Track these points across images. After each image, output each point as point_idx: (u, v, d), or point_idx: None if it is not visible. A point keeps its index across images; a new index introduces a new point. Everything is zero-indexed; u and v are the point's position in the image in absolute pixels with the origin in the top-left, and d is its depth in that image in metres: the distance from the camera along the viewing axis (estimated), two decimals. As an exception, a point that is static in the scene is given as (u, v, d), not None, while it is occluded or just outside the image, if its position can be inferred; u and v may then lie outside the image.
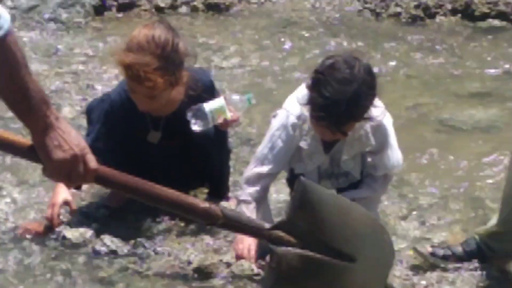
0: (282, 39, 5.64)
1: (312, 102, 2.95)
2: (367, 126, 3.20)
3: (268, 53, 5.57)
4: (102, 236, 3.26)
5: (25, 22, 5.76)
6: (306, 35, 6.05)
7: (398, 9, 5.94)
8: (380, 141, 3.23)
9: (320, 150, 3.27)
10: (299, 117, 3.17)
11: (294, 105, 3.18)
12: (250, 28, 5.99)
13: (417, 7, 5.86)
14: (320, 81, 2.94)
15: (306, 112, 3.11)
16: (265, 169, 3.22)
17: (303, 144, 3.25)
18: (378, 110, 3.23)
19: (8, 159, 4.11)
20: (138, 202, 3.11)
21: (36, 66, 5.01)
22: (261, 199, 3.28)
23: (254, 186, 3.28)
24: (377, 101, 3.26)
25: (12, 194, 3.75)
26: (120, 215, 3.45)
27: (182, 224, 3.50)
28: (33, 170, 3.80)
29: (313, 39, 5.88)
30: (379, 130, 3.24)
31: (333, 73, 3.04)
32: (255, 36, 5.84)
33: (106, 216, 3.45)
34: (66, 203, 3.25)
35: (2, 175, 4.09)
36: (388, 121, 3.34)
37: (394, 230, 3.44)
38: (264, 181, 3.29)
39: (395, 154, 3.34)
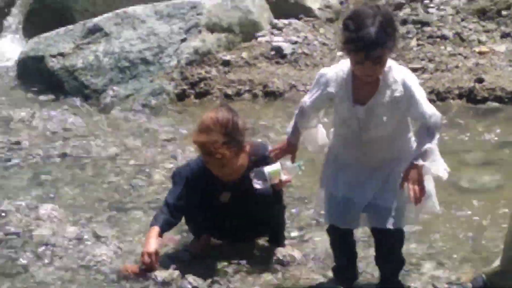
0: (326, 120, 6.39)
1: (347, 40, 2.83)
2: (395, 74, 3.01)
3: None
4: (186, 276, 3.35)
5: (123, 106, 6.15)
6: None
7: None
8: (408, 89, 3.00)
9: (351, 109, 3.17)
10: (335, 72, 3.07)
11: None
12: None
13: (431, 92, 5.91)
14: (350, 22, 2.84)
15: (343, 68, 3.04)
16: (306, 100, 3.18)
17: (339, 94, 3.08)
18: (398, 66, 3.13)
19: (113, 217, 4.30)
20: (216, 248, 3.59)
21: (131, 141, 5.39)
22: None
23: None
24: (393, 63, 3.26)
25: (116, 244, 3.87)
26: (200, 259, 3.54)
27: (249, 266, 3.55)
28: (131, 225, 4.09)
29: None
30: (406, 79, 3.02)
31: (359, 13, 2.99)
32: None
33: (189, 259, 3.56)
34: (156, 252, 3.39)
35: (109, 229, 4.12)
36: (413, 76, 3.13)
37: (417, 269, 3.49)
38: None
39: (427, 104, 3.09)
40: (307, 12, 6.97)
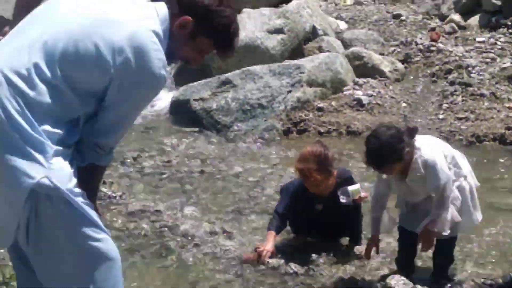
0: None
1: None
2: (419, 158, 3.77)
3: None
4: (289, 263, 4.15)
5: (245, 138, 6.79)
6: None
7: (460, 137, 6.62)
8: (426, 169, 3.74)
9: (398, 182, 3.92)
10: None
11: None
12: None
13: (472, 136, 6.62)
14: (366, 141, 3.73)
15: None
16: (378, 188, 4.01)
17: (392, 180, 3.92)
18: (424, 150, 3.85)
19: (236, 218, 5.06)
20: (310, 244, 4.42)
21: (250, 163, 6.20)
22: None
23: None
24: (424, 145, 3.93)
25: (238, 237, 4.72)
26: (299, 251, 4.33)
27: (335, 259, 4.31)
28: (249, 224, 4.96)
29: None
30: (427, 162, 3.73)
31: (371, 135, 3.82)
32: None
33: (291, 251, 4.35)
34: (272, 250, 4.18)
35: (233, 227, 4.98)
36: (432, 158, 3.85)
37: (460, 267, 4.24)
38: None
39: (440, 175, 3.80)
40: (380, 73, 7.62)
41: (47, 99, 2.28)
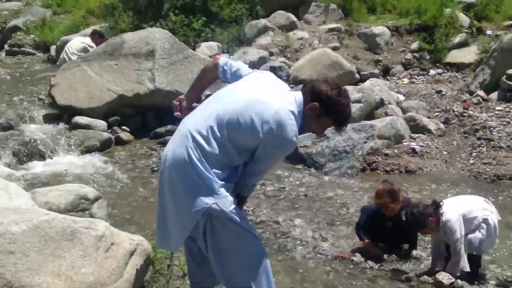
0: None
1: None
2: (443, 222, 4.41)
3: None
4: (367, 260, 4.83)
5: (335, 172, 7.35)
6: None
7: (485, 176, 7.27)
8: (445, 229, 4.39)
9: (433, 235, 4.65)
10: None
11: None
12: (436, 183, 7.07)
13: (494, 176, 7.26)
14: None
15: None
16: None
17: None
18: (446, 215, 4.47)
19: (331, 228, 5.63)
20: (382, 249, 5.08)
21: (337, 191, 6.73)
22: None
23: None
24: (448, 210, 4.49)
25: (332, 241, 5.38)
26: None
27: (398, 258, 5.03)
28: (340, 233, 5.51)
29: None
30: (445, 224, 4.42)
31: (405, 215, 4.57)
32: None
33: (367, 252, 4.96)
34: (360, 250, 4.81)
35: (329, 234, 5.53)
36: (449, 219, 4.45)
37: (487, 268, 4.79)
38: None
39: (454, 234, 4.38)
40: (428, 131, 8.38)
41: (217, 152, 2.79)
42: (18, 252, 3.11)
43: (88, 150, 8.18)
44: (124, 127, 8.93)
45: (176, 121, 7.95)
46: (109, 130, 8.76)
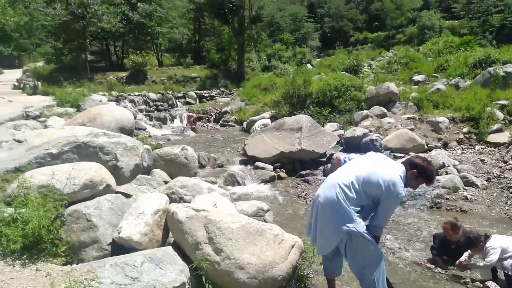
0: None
1: None
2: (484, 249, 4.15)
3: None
4: (436, 267, 4.51)
5: (413, 208, 6.71)
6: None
7: None
8: (485, 251, 4.15)
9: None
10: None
11: None
12: (481, 220, 6.23)
13: None
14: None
15: None
16: None
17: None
18: (490, 242, 4.17)
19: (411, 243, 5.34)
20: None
21: (418, 221, 6.13)
22: None
23: None
24: (492, 241, 4.14)
25: (411, 252, 4.95)
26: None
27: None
28: (419, 252, 5.08)
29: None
30: (486, 248, 4.14)
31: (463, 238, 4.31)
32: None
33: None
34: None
35: (406, 246, 5.14)
36: (490, 245, 4.15)
37: None
38: None
39: (489, 257, 4.06)
40: (476, 185, 7.64)
41: (354, 195, 2.85)
42: (233, 239, 3.27)
43: (263, 181, 8.40)
44: (282, 169, 9.04)
45: (312, 167, 7.71)
46: (274, 170, 8.92)
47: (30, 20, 32.50)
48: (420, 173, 3.00)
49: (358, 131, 10.39)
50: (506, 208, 6.75)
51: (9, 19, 17.98)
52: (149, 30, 23.03)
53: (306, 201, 7.24)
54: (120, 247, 3.42)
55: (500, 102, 11.54)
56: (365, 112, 11.99)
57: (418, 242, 5.37)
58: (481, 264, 4.06)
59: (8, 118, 8.10)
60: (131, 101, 17.61)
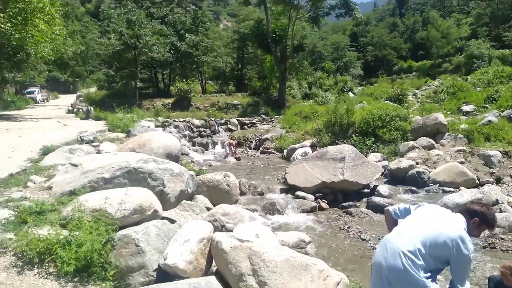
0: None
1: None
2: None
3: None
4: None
5: None
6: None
7: None
8: None
9: None
10: None
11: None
12: None
13: None
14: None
15: None
16: None
17: None
18: None
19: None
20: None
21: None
22: None
23: None
24: None
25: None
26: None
27: None
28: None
29: None
30: None
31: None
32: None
33: None
34: None
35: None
36: None
37: None
38: None
39: None
40: None
41: (422, 262, 2.69)
42: (278, 272, 3.24)
43: (303, 211, 8.28)
44: (323, 200, 8.91)
45: (355, 199, 7.57)
46: (315, 201, 8.80)
47: (86, 49, 34.98)
48: (482, 220, 2.90)
49: (404, 162, 10.13)
50: None
51: (68, 49, 19.46)
52: (195, 59, 24.05)
53: (349, 234, 7.07)
54: (165, 274, 3.46)
55: (559, 136, 10.87)
56: (411, 143, 11.67)
57: (472, 284, 5.13)
58: None
59: (64, 142, 8.55)
60: (176, 126, 18.29)
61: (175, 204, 5.02)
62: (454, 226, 2.77)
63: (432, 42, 50.95)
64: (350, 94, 25.28)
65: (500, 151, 10.76)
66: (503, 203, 7.85)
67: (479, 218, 2.89)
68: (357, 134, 12.95)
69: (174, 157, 6.27)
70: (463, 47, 44.16)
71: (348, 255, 5.97)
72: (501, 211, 7.49)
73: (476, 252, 6.05)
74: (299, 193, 8.98)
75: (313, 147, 11.23)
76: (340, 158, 9.40)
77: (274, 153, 15.26)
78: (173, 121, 18.48)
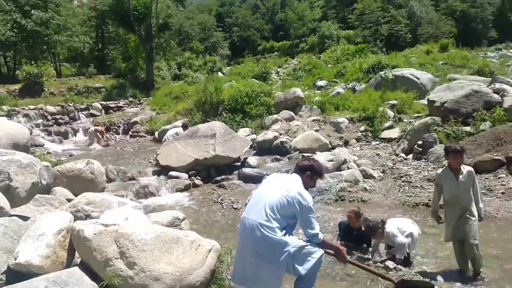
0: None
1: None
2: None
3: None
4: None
5: (319, 202, 7.08)
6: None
7: (408, 204, 6.85)
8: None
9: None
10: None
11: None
12: (379, 208, 6.80)
13: (414, 203, 6.85)
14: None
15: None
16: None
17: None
18: (387, 227, 4.30)
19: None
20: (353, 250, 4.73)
21: (322, 213, 6.46)
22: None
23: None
24: (389, 225, 4.37)
25: None
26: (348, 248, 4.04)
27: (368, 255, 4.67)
28: None
29: None
30: (387, 233, 4.33)
31: (364, 226, 4.37)
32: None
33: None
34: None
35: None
36: (389, 230, 4.33)
37: (412, 259, 4.48)
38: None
39: (395, 238, 4.30)
40: (373, 177, 8.13)
41: (276, 224, 2.96)
42: (148, 250, 3.17)
43: (178, 190, 8.24)
44: (197, 177, 8.98)
45: (227, 172, 7.91)
46: (189, 179, 8.81)
47: None
48: (313, 172, 3.25)
49: (269, 134, 10.83)
50: (399, 195, 7.33)
51: None
52: (45, 38, 21.22)
53: (222, 205, 7.27)
54: (18, 274, 3.07)
55: (390, 102, 12.90)
56: (275, 116, 12.49)
57: (327, 232, 5.58)
58: (396, 244, 4.30)
59: None
60: (26, 115, 16.00)
61: (27, 199, 4.43)
62: (292, 186, 3.09)
63: (290, 23, 54.53)
64: (220, 74, 25.63)
65: (347, 118, 12.20)
66: (350, 161, 9.01)
67: (310, 171, 3.24)
68: (227, 111, 13.34)
69: (22, 147, 5.47)
70: (316, 28, 48.27)
71: (222, 224, 6.20)
72: (348, 168, 8.51)
73: (329, 206, 7.01)
74: (172, 173, 8.87)
75: (185, 127, 11.14)
76: (211, 135, 9.52)
77: (144, 136, 14.75)
78: (22, 109, 16.09)
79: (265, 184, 3.31)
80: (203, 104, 13.63)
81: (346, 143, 10.97)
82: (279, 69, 28.19)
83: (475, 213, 3.93)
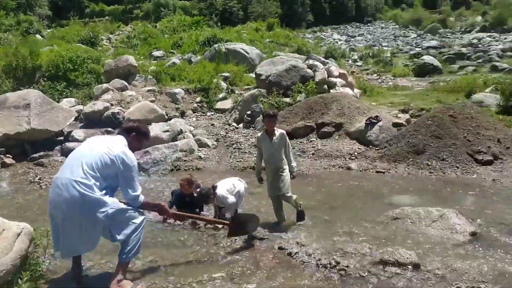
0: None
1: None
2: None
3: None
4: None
5: (157, 174, 7.29)
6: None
7: (237, 168, 7.34)
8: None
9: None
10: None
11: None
12: (214, 174, 7.07)
13: (243, 167, 7.37)
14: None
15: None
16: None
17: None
18: (218, 191, 4.48)
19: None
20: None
21: (159, 184, 6.69)
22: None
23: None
24: (219, 187, 4.54)
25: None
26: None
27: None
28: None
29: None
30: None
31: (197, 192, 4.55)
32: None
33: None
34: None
35: None
36: (220, 193, 4.49)
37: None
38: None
39: (225, 200, 4.50)
40: (207, 145, 8.44)
41: (95, 182, 2.86)
42: None
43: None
44: (8, 154, 7.91)
45: (47, 148, 7.20)
46: (-3, 158, 7.48)
47: None
48: (138, 133, 3.27)
49: (98, 105, 10.07)
50: (231, 161, 7.84)
51: None
52: None
53: (40, 186, 6.56)
54: None
55: (224, 74, 13.47)
56: (105, 85, 11.59)
57: (162, 201, 5.30)
58: (227, 205, 4.55)
59: None
60: None
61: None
62: (116, 146, 3.04)
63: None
64: (38, 36, 22.04)
65: (183, 89, 12.25)
66: (186, 132, 9.20)
67: (135, 132, 3.25)
68: (45, 79, 11.69)
69: None
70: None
71: (40, 206, 5.54)
72: (184, 138, 8.77)
73: (165, 176, 7.12)
74: (-28, 151, 7.35)
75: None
76: (24, 105, 8.37)
77: None
78: None
79: (84, 143, 3.23)
80: (14, 69, 11.58)
81: (182, 114, 11.02)
82: (111, 36, 25.95)
83: (287, 170, 4.46)
